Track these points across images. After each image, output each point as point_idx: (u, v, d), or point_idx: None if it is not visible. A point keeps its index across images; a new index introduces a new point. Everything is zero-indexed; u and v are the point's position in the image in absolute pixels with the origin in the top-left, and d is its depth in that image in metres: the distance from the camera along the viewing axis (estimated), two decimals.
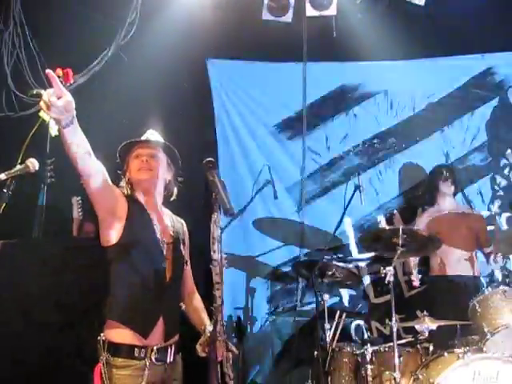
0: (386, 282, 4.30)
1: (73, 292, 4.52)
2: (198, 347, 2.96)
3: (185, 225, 3.27)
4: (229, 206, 2.62)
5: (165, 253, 2.95)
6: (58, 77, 2.95)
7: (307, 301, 6.18)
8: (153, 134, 3.19)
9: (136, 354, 2.80)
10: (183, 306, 3.21)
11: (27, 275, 4.68)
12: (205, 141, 6.38)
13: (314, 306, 6.07)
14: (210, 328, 3.08)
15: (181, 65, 5.99)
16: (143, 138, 3.16)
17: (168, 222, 3.03)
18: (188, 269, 3.22)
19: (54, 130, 2.97)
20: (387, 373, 4.34)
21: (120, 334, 2.83)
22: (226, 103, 6.48)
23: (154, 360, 2.83)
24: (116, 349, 2.81)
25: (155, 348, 2.85)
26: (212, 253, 2.71)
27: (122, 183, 3.13)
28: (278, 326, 6.25)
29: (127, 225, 2.87)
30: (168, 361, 2.89)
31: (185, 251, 3.14)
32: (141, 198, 3.05)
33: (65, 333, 4.45)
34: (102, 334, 2.89)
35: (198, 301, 3.30)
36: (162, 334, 2.89)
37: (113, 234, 2.88)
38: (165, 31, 5.87)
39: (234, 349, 3.10)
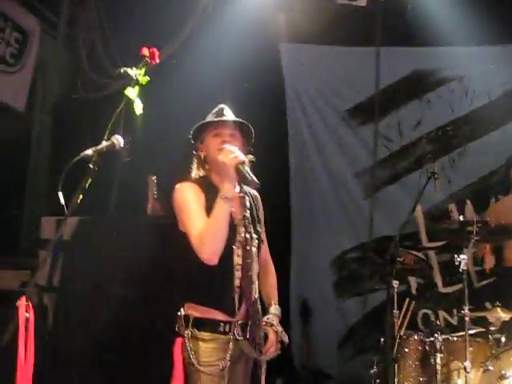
0: (460, 270, 4.24)
1: (146, 268, 4.64)
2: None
3: (259, 199, 3.26)
4: (251, 179, 2.74)
5: (239, 236, 2.95)
6: (145, 56, 3.03)
7: (374, 287, 6.16)
8: (227, 111, 3.14)
9: (221, 329, 2.87)
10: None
11: (102, 251, 4.84)
12: (276, 125, 6.39)
13: (380, 293, 6.07)
14: (274, 308, 3.16)
15: (254, 49, 6.00)
16: (217, 114, 3.07)
17: (246, 202, 3.01)
18: (263, 243, 3.23)
19: (139, 109, 3.02)
20: (456, 362, 4.31)
21: (203, 311, 2.89)
22: (297, 87, 6.47)
23: (236, 335, 2.90)
24: (201, 323, 2.88)
25: (238, 323, 2.91)
26: (238, 234, 2.79)
27: (194, 164, 3.14)
28: (343, 311, 6.26)
29: (206, 212, 2.90)
30: (247, 336, 2.95)
31: (261, 229, 3.14)
32: (212, 176, 3.06)
33: (138, 307, 4.59)
34: (182, 310, 2.95)
35: (271, 275, 3.31)
36: (243, 312, 2.94)
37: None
38: (239, 16, 5.91)
39: (285, 338, 3.14)
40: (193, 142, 3.10)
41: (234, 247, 2.87)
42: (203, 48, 5.83)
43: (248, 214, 2.91)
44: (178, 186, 3.00)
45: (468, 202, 6.13)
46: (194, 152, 3.11)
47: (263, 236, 3.21)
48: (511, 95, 6.14)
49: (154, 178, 4.79)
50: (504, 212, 5.31)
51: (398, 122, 6.35)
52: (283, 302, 6.05)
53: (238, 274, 2.85)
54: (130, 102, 3.24)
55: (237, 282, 2.86)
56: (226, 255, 2.82)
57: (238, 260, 2.86)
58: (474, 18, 5.73)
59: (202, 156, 3.08)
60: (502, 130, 6.13)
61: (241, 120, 3.06)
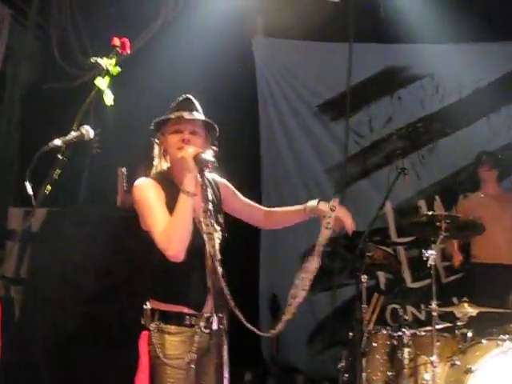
0: (428, 265, 4.28)
1: (114, 261, 4.61)
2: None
3: (223, 183, 3.17)
4: (211, 161, 2.76)
5: (203, 229, 2.93)
6: (116, 46, 2.99)
7: (343, 282, 6.19)
8: (191, 103, 3.08)
9: (187, 322, 2.85)
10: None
11: (71, 243, 4.79)
12: (248, 119, 6.38)
13: (349, 288, 6.10)
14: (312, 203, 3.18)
15: (227, 43, 5.97)
16: (180, 105, 2.97)
17: (208, 194, 2.96)
18: (243, 204, 3.23)
19: (109, 99, 2.98)
20: (423, 357, 4.36)
21: (169, 305, 2.87)
22: (270, 82, 6.47)
23: (202, 328, 2.89)
24: (167, 316, 2.85)
25: (204, 316, 2.90)
26: (205, 226, 2.78)
27: (156, 152, 3.06)
28: (313, 306, 6.27)
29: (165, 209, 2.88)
30: (214, 328, 2.94)
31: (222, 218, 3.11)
32: (173, 172, 3.03)
33: (105, 300, 4.56)
34: (148, 303, 2.94)
35: (277, 210, 3.33)
36: (209, 304, 2.93)
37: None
38: (212, 8, 5.88)
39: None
40: (154, 131, 3.03)
41: (204, 239, 2.85)
42: (176, 40, 5.77)
43: (210, 206, 2.87)
44: (136, 183, 2.93)
45: (437, 197, 6.19)
46: (156, 141, 3.06)
47: (239, 195, 3.21)
48: (482, 93, 6.20)
49: (124, 169, 4.74)
50: (472, 209, 5.37)
51: (369, 118, 6.39)
52: (252, 296, 6.13)
53: (206, 266, 2.83)
54: (100, 93, 3.20)
55: (206, 275, 2.84)
56: (194, 249, 2.80)
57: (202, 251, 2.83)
58: (446, 16, 5.79)
59: (162, 148, 3.04)
60: (472, 127, 6.20)
61: (202, 118, 2.99)
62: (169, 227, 2.74)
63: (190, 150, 2.77)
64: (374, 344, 4.67)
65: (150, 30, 6.06)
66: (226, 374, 2.85)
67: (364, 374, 4.52)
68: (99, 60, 2.92)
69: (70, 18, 6.71)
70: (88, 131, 2.82)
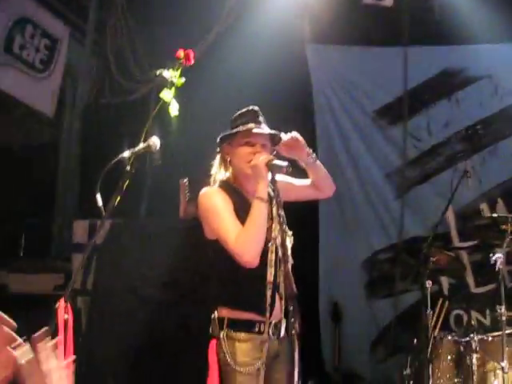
0: (496, 268, 4.20)
1: (178, 271, 4.66)
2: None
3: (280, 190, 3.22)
4: (283, 166, 2.78)
5: (274, 234, 2.95)
6: (179, 58, 3.04)
7: (405, 288, 6.12)
8: (259, 116, 3.11)
9: (256, 329, 2.89)
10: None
11: (133, 254, 4.87)
12: (304, 127, 6.36)
13: (411, 294, 6.03)
14: None
15: (281, 50, 6.00)
16: (249, 119, 3.02)
17: (280, 200, 2.99)
18: (298, 189, 3.26)
19: (174, 110, 3.04)
20: (493, 363, 4.27)
21: (237, 313, 2.91)
22: (325, 89, 6.45)
23: (271, 334, 2.91)
24: (236, 324, 2.90)
25: (273, 323, 2.91)
26: (272, 232, 2.80)
27: (217, 162, 3.12)
28: (375, 312, 6.22)
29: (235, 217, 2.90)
30: (282, 335, 2.96)
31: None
32: (238, 181, 3.06)
33: (170, 310, 4.61)
34: (215, 312, 2.97)
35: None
36: (278, 310, 2.95)
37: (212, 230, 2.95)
38: (266, 16, 5.93)
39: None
40: (219, 141, 3.09)
41: (269, 245, 2.87)
42: (231, 50, 5.83)
43: (282, 212, 2.89)
44: (203, 191, 3.00)
45: (499, 200, 6.07)
46: (219, 151, 3.10)
47: (292, 181, 3.23)
48: None
49: (186, 180, 4.80)
50: None
51: (428, 122, 6.30)
52: (313, 304, 6.10)
53: (271, 270, 2.85)
54: (163, 105, 3.26)
55: (270, 278, 2.84)
56: (264, 254, 2.83)
57: (271, 256, 2.86)
58: (500, 15, 5.70)
59: (228, 159, 3.07)
60: None
61: (272, 132, 3.04)
62: (245, 233, 2.78)
63: (262, 158, 2.82)
64: (440, 350, 4.60)
65: (204, 43, 6.14)
66: (297, 379, 2.84)
67: (430, 381, 4.46)
68: (164, 72, 2.99)
69: (126, 33, 6.87)
70: (155, 142, 2.88)
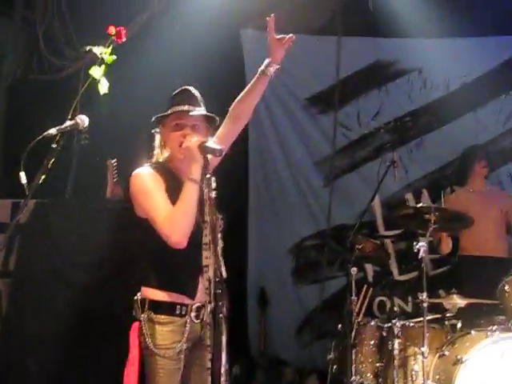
0: (419, 257, 4.31)
1: (104, 253, 4.58)
2: None
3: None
4: (218, 148, 2.75)
5: (206, 216, 2.92)
6: (111, 35, 2.97)
7: (331, 275, 6.21)
8: (192, 96, 3.07)
9: (177, 312, 2.86)
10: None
11: (59, 235, 4.76)
12: None
13: (337, 280, 6.14)
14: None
15: (216, 34, 5.95)
16: (181, 99, 2.97)
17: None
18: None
19: (104, 88, 2.96)
20: (413, 348, 4.39)
21: (160, 294, 2.88)
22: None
23: (193, 318, 2.89)
24: (158, 307, 2.86)
25: (195, 306, 2.90)
26: (205, 215, 2.74)
27: (156, 143, 3.08)
28: (301, 298, 6.30)
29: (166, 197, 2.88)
30: (205, 319, 2.94)
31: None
32: (172, 162, 3.02)
33: (95, 292, 4.53)
34: (138, 294, 2.93)
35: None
36: (203, 293, 2.93)
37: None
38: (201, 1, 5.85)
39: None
40: (155, 123, 3.06)
41: (202, 227, 2.85)
42: (165, 31, 5.74)
43: (214, 195, 2.86)
44: (135, 172, 2.94)
45: (424, 191, 6.23)
46: (156, 132, 3.08)
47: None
48: (469, 88, 6.22)
49: (114, 161, 4.70)
50: (458, 203, 5.38)
51: (358, 112, 6.40)
52: (240, 289, 6.13)
53: (205, 253, 2.81)
54: (92, 83, 3.19)
55: (205, 262, 2.82)
56: (193, 236, 2.80)
57: (205, 239, 2.84)
58: (434, 10, 5.82)
59: (163, 141, 3.05)
60: (459, 121, 6.23)
61: (202, 113, 2.99)
62: (174, 214, 2.76)
63: (194, 140, 2.79)
64: (363, 335, 4.71)
65: (138, 22, 6.02)
66: (224, 363, 2.82)
67: (353, 366, 4.56)
68: (94, 49, 2.92)
69: (56, 9, 6.66)
70: (83, 120, 2.82)
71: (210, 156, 2.79)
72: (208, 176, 2.75)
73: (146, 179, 2.90)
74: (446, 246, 5.25)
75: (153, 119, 3.03)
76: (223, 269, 2.67)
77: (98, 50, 2.93)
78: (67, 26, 6.58)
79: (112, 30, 2.92)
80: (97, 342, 4.43)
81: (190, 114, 2.94)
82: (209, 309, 2.93)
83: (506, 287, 4.45)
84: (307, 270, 6.34)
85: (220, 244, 2.77)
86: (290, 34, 3.19)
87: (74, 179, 5.42)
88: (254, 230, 6.41)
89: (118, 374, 2.93)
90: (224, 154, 2.87)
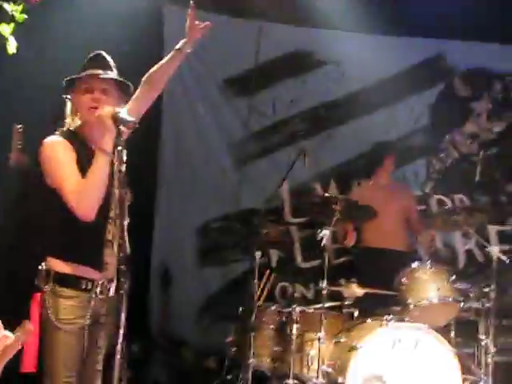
0: (322, 245, 4.38)
1: (6, 221, 4.41)
2: None
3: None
4: (132, 121, 2.66)
5: (114, 192, 2.85)
6: None
7: (235, 258, 6.24)
8: (104, 59, 2.99)
9: (83, 286, 2.79)
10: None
11: None
12: None
13: (241, 263, 6.16)
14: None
15: (137, 10, 5.80)
16: (91, 62, 2.91)
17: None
18: None
19: (12, 47, 2.82)
20: (311, 333, 4.47)
21: (67, 266, 2.79)
22: None
23: (98, 293, 2.83)
24: (63, 279, 2.77)
25: (100, 281, 2.83)
26: (113, 188, 2.67)
27: (68, 110, 2.98)
28: (203, 280, 6.28)
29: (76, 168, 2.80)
30: (110, 294, 2.88)
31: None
32: (84, 131, 2.93)
33: None
34: (43, 264, 2.83)
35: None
36: (110, 268, 2.86)
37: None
38: None
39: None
40: (65, 89, 2.94)
41: (110, 201, 2.78)
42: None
43: (124, 168, 2.77)
44: (46, 141, 2.85)
45: (332, 182, 6.35)
46: (68, 98, 2.97)
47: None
48: (384, 84, 6.38)
49: (20, 127, 4.50)
50: (364, 196, 5.49)
51: (273, 98, 6.42)
52: (144, 266, 6.04)
53: (110, 227, 2.77)
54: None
55: (109, 236, 2.77)
56: (101, 209, 2.73)
57: (112, 213, 2.78)
58: (357, 6, 5.90)
59: (74, 106, 2.95)
60: (372, 116, 6.40)
61: (113, 76, 2.92)
62: (83, 186, 2.69)
63: (108, 110, 2.69)
64: (263, 320, 4.76)
65: None
66: (121, 340, 2.77)
67: (252, 349, 4.60)
68: (5, 5, 2.78)
69: None
70: None
71: (122, 127, 2.73)
72: (119, 148, 2.66)
73: (56, 149, 2.81)
74: (351, 238, 5.36)
75: (63, 83, 2.92)
76: (127, 245, 2.61)
77: (8, 6, 2.78)
78: None
79: None
80: None
81: (101, 76, 2.86)
82: (113, 285, 2.89)
83: (403, 279, 4.61)
84: (212, 252, 6.33)
85: (126, 219, 2.72)
86: (207, 22, 3.19)
87: None
88: (161, 207, 6.32)
89: None
90: (136, 126, 2.80)
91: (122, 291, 2.71)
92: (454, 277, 4.59)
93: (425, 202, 6.29)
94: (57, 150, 2.81)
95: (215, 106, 6.37)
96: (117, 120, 2.66)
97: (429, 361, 4.09)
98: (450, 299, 4.51)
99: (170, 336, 6.10)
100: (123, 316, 2.62)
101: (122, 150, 2.68)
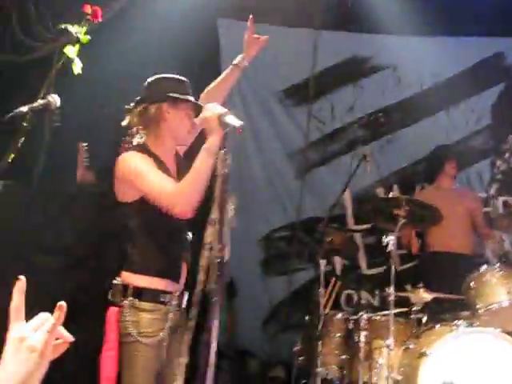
0: (388, 250, 4.34)
1: (74, 237, 4.52)
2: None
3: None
4: (239, 125, 2.60)
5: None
6: (87, 13, 2.93)
7: (299, 267, 6.24)
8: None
9: (161, 299, 2.84)
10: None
11: (27, 220, 4.67)
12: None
13: (305, 272, 6.17)
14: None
15: (192, 24, 5.91)
16: (186, 90, 3.00)
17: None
18: None
19: (77, 68, 2.92)
20: (379, 340, 4.43)
21: (146, 280, 2.85)
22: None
23: (174, 305, 2.88)
24: (142, 293, 2.83)
25: (176, 294, 2.89)
26: (212, 211, 2.57)
27: (135, 123, 2.97)
28: (268, 289, 6.30)
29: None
30: (183, 306, 2.94)
31: None
32: (157, 147, 2.97)
33: (62, 277, 4.47)
34: (118, 279, 2.88)
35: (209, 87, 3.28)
36: (182, 279, 2.94)
37: (134, 193, 2.87)
38: None
39: None
40: (158, 96, 2.95)
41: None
42: (142, 17, 5.68)
43: (227, 171, 2.61)
44: (122, 156, 2.90)
45: (395, 187, 6.28)
46: (152, 106, 2.94)
47: None
48: (442, 86, 6.32)
49: (85, 144, 4.62)
50: (427, 200, 5.41)
51: (332, 105, 6.42)
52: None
53: (211, 229, 2.53)
54: (66, 63, 3.15)
55: (208, 239, 2.55)
56: (178, 219, 2.78)
57: (213, 215, 2.58)
58: (410, 8, 5.85)
59: (166, 117, 2.95)
60: (431, 119, 6.32)
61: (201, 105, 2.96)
62: (184, 183, 2.71)
63: (214, 112, 2.66)
64: (330, 328, 4.74)
65: (115, 5, 5.96)
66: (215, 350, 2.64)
67: (319, 357, 4.58)
68: (70, 27, 2.87)
69: None
70: (55, 99, 2.77)
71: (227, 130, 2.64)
72: (225, 150, 2.59)
73: (135, 160, 2.86)
74: (415, 246, 5.31)
75: (168, 94, 2.93)
76: (227, 249, 2.53)
77: (73, 29, 2.88)
78: (41, 6, 6.49)
79: (88, 8, 2.87)
80: (67, 327, 4.37)
81: (199, 105, 2.92)
82: (185, 296, 2.93)
83: (471, 283, 4.51)
84: (276, 262, 6.35)
85: (229, 223, 2.58)
86: (266, 36, 3.31)
87: (44, 162, 5.34)
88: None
89: (92, 360, 2.87)
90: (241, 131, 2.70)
91: (215, 298, 2.58)
92: None
93: (490, 204, 6.14)
94: (137, 160, 2.86)
95: (274, 116, 6.40)
96: (222, 123, 2.63)
97: (501, 366, 3.98)
98: None
99: (237, 347, 6.13)
100: (216, 324, 2.62)
101: (226, 153, 2.60)
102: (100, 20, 2.92)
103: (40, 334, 1.24)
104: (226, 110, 2.69)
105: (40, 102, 2.73)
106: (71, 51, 2.89)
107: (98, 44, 4.68)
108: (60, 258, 4.48)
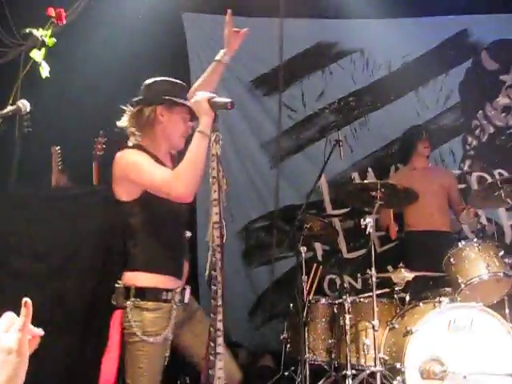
0: (367, 233, 4.38)
1: (50, 243, 4.48)
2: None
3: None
4: (229, 101, 2.62)
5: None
6: (51, 17, 2.91)
7: (281, 255, 6.26)
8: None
9: (164, 297, 2.86)
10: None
11: (3, 225, 4.63)
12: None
13: (287, 260, 6.19)
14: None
15: (157, 18, 5.89)
16: (184, 94, 3.02)
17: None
18: None
19: (45, 72, 2.90)
20: (364, 322, 4.49)
21: (149, 279, 2.87)
22: (201, 58, 6.36)
23: (177, 302, 2.90)
24: (145, 293, 2.85)
25: (178, 290, 2.91)
26: (212, 192, 2.56)
27: (130, 121, 2.97)
28: (252, 280, 6.33)
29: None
30: (186, 301, 2.95)
31: None
32: (153, 147, 2.99)
33: (44, 282, 4.43)
34: (119, 282, 2.90)
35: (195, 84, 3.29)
36: (183, 277, 2.96)
37: (135, 189, 2.89)
38: None
39: None
40: (155, 99, 2.96)
41: (184, 208, 2.85)
42: (106, 16, 5.63)
43: (219, 151, 2.61)
44: (118, 154, 2.93)
45: (370, 170, 6.33)
46: (147, 107, 2.95)
47: None
48: (410, 67, 6.35)
49: (58, 148, 4.60)
50: (402, 181, 5.45)
51: (302, 93, 6.44)
52: (191, 272, 6.09)
53: (215, 209, 2.56)
54: (33, 67, 3.12)
55: (215, 218, 2.59)
56: (178, 214, 2.85)
57: (214, 195, 2.58)
58: None
59: (160, 119, 2.96)
60: (401, 100, 6.36)
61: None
62: (181, 166, 2.70)
63: (203, 95, 2.67)
64: (315, 313, 4.79)
65: (78, 6, 5.90)
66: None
67: (306, 343, 4.62)
68: (34, 31, 2.85)
69: None
70: (25, 105, 2.77)
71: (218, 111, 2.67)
72: (217, 133, 2.60)
73: (133, 155, 2.89)
74: (393, 230, 5.35)
75: (164, 97, 2.94)
76: (224, 230, 2.59)
77: (37, 32, 2.86)
78: (4, 12, 6.40)
79: (52, 11, 2.85)
80: (50, 336, 4.33)
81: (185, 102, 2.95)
82: (188, 291, 2.96)
83: (452, 259, 4.58)
84: (257, 252, 6.37)
85: (224, 202, 2.61)
86: (246, 29, 3.31)
87: (17, 168, 5.29)
88: (202, 213, 6.37)
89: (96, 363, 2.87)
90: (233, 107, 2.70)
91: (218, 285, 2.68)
92: (502, 252, 4.54)
93: (464, 180, 6.22)
94: (134, 156, 2.89)
95: (245, 107, 6.39)
96: (212, 103, 2.64)
97: (485, 338, 4.05)
98: (501, 274, 4.45)
99: (224, 338, 6.12)
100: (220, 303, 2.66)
101: (218, 134, 2.60)
102: (64, 22, 2.89)
103: (13, 334, 1.25)
104: (212, 94, 2.71)
105: (10, 108, 2.72)
106: (37, 55, 2.86)
107: (65, 45, 4.66)
108: (39, 264, 4.44)
